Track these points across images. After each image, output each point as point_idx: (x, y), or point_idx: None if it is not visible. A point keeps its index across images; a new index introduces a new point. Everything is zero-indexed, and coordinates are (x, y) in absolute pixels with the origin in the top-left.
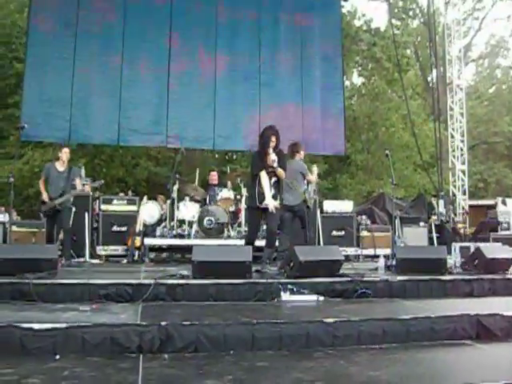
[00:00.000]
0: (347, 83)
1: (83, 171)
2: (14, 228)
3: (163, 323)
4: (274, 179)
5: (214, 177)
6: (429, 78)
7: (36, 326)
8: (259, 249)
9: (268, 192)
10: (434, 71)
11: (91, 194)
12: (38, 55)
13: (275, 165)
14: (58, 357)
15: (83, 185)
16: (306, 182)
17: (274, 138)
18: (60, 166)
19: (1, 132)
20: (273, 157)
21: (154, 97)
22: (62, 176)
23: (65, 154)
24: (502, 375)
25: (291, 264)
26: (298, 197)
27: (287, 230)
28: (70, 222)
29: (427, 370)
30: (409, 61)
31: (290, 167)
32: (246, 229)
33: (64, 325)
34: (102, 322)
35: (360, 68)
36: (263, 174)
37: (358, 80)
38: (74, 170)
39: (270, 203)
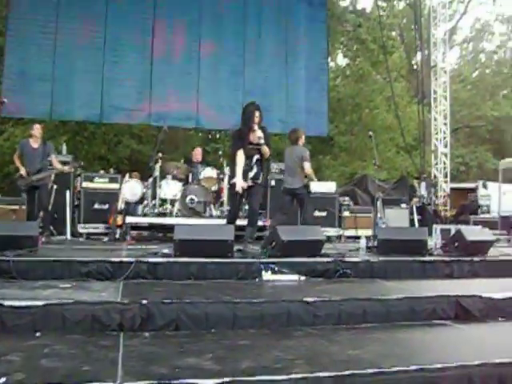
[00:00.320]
0: (332, 64)
1: (65, 148)
2: None
3: (144, 301)
4: (256, 157)
5: (198, 154)
6: (413, 61)
7: (16, 303)
8: (241, 228)
9: (239, 171)
10: (419, 54)
11: (72, 171)
12: (19, 29)
13: (262, 141)
14: (38, 334)
15: (62, 163)
16: None
17: (257, 114)
18: (34, 143)
19: None
20: (258, 133)
21: (137, 74)
22: (37, 152)
23: (37, 129)
24: (480, 355)
25: (273, 243)
26: (299, 180)
27: (285, 212)
28: (51, 200)
29: (406, 350)
30: (394, 43)
31: (293, 152)
32: (228, 208)
33: (44, 302)
34: (83, 300)
35: (345, 49)
36: (239, 153)
37: (342, 61)
38: (48, 146)
39: (238, 183)
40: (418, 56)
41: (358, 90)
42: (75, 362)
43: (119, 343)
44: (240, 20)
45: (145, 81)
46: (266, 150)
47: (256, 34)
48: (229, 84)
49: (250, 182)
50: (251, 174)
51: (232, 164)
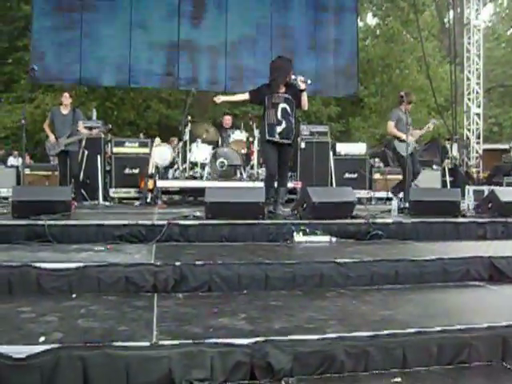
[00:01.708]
0: (361, 24)
1: (95, 113)
2: (28, 171)
3: (177, 263)
4: (281, 106)
5: (227, 121)
6: (445, 19)
7: (52, 266)
8: (292, 191)
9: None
10: (451, 11)
11: (103, 136)
12: None
13: (303, 86)
14: (74, 296)
15: (89, 128)
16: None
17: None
18: (64, 110)
19: (11, 75)
20: (301, 78)
21: (164, 38)
22: (67, 118)
23: (65, 98)
24: None
25: (304, 205)
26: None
27: None
28: (82, 166)
29: (440, 310)
30: (425, 1)
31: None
32: (259, 171)
33: (79, 264)
34: (117, 262)
35: (375, 8)
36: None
37: (372, 21)
38: (77, 113)
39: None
40: (450, 14)
41: (389, 50)
42: (111, 322)
43: (153, 304)
44: None
45: (172, 45)
46: (305, 97)
47: None
48: (256, 46)
49: (278, 138)
50: (279, 129)
51: (261, 119)
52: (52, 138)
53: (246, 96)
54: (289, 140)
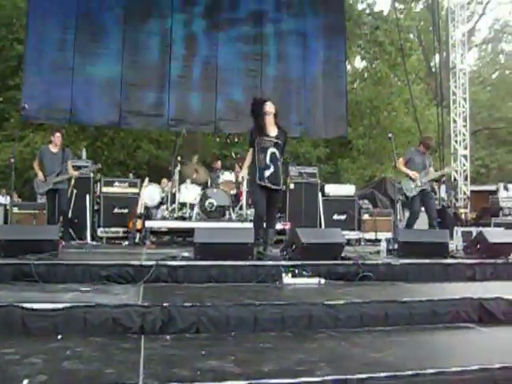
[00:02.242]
0: (349, 67)
1: (84, 153)
2: (15, 210)
3: (165, 304)
4: (271, 150)
5: (218, 166)
6: (432, 63)
7: (38, 306)
8: (281, 232)
9: (247, 163)
10: (437, 56)
11: (92, 175)
12: (38, 37)
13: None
14: (60, 337)
15: (78, 167)
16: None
17: (268, 104)
18: (53, 148)
19: (2, 114)
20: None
21: (155, 80)
22: (56, 157)
23: (57, 138)
24: (504, 358)
25: (293, 246)
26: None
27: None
28: (71, 205)
29: (429, 353)
30: (412, 45)
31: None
32: (248, 212)
33: (66, 305)
34: (104, 303)
35: (363, 52)
36: (250, 151)
37: (360, 64)
38: (66, 152)
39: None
40: (437, 58)
41: (376, 92)
42: (97, 364)
43: (140, 346)
44: (258, 23)
45: (162, 86)
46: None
47: (274, 37)
48: (246, 88)
49: (266, 183)
50: (267, 173)
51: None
52: (41, 175)
53: (251, 152)
54: (277, 186)
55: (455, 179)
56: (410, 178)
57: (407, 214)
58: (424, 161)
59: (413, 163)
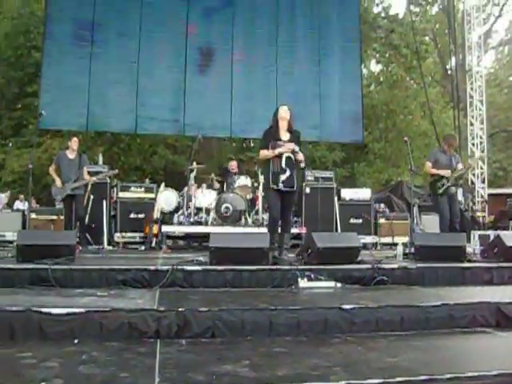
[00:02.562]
0: (365, 71)
1: (101, 158)
2: (33, 216)
3: (180, 309)
4: (286, 155)
5: (234, 166)
6: (448, 66)
7: (54, 311)
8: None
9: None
10: (453, 58)
11: (109, 181)
12: (55, 44)
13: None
14: (76, 341)
15: (95, 173)
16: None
17: (284, 109)
18: (70, 154)
19: (20, 121)
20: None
21: (171, 85)
22: (73, 163)
23: (74, 142)
24: None
25: (309, 251)
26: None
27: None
28: (88, 210)
29: (446, 357)
30: (427, 48)
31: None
32: (264, 216)
33: (82, 309)
34: (120, 307)
35: (378, 55)
36: (262, 152)
37: (376, 67)
38: (83, 158)
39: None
40: (453, 61)
41: (392, 96)
42: (113, 368)
43: (156, 350)
44: (273, 29)
45: (179, 92)
46: (300, 156)
47: (288, 42)
48: (262, 93)
49: (281, 187)
50: (283, 178)
51: (265, 167)
52: (58, 182)
53: (263, 152)
54: (292, 188)
55: (472, 182)
56: (440, 178)
57: (424, 217)
58: (451, 160)
59: (439, 164)
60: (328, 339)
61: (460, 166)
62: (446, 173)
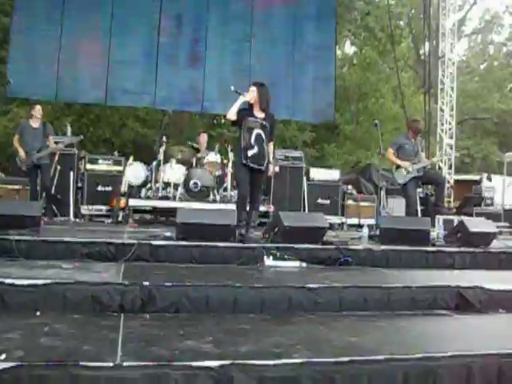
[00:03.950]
0: (339, 52)
1: (69, 130)
2: None
3: (145, 283)
4: (256, 131)
5: (203, 137)
6: (421, 51)
7: (17, 282)
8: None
9: (236, 106)
10: (427, 44)
11: (76, 152)
12: (25, 10)
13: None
14: (38, 313)
15: (56, 142)
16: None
17: (252, 87)
18: (34, 123)
19: None
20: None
21: (142, 57)
22: (37, 132)
23: (37, 110)
24: (479, 346)
25: (276, 229)
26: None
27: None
28: (54, 182)
29: (406, 338)
30: (402, 32)
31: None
32: (232, 193)
33: (45, 281)
34: (84, 280)
35: (352, 37)
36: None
37: (350, 49)
38: (48, 126)
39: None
40: (426, 46)
41: (365, 78)
42: (75, 341)
43: (119, 324)
44: (247, 4)
45: (150, 64)
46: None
47: (263, 19)
48: (234, 70)
49: (248, 162)
50: (250, 153)
51: (237, 142)
52: (22, 152)
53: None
54: (260, 166)
55: (439, 167)
56: (398, 167)
57: (391, 200)
58: (415, 146)
59: (403, 150)
60: (292, 318)
61: (423, 154)
62: (406, 164)
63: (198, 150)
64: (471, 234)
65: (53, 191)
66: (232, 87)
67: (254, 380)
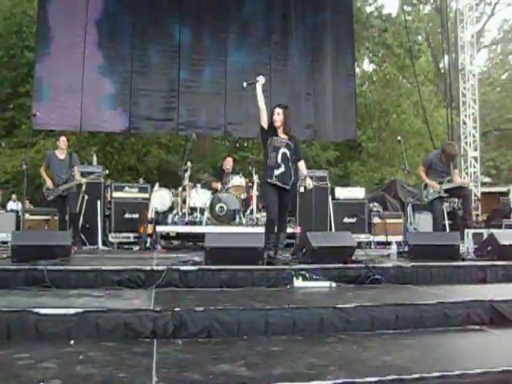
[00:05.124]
0: (358, 70)
1: (95, 158)
2: (28, 216)
3: (176, 309)
4: (282, 151)
5: (229, 163)
6: (440, 65)
7: (50, 311)
8: (291, 236)
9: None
10: (446, 57)
11: (102, 181)
12: (49, 43)
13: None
14: (72, 342)
15: (82, 174)
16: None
17: (278, 110)
18: (60, 154)
19: (13, 121)
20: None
21: (164, 84)
22: (63, 163)
23: (62, 142)
24: None
25: (303, 250)
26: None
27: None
28: (82, 210)
29: (441, 355)
30: (420, 47)
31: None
32: (258, 216)
33: (78, 310)
34: (116, 308)
35: (371, 55)
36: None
37: (369, 67)
38: (73, 157)
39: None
40: (446, 59)
41: (385, 95)
42: (110, 368)
43: (153, 350)
44: (266, 29)
45: (172, 91)
46: (309, 181)
47: (282, 42)
48: (255, 92)
49: (275, 181)
50: (277, 172)
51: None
52: (49, 182)
53: (264, 114)
54: (286, 185)
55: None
56: (426, 186)
57: (418, 216)
58: (448, 165)
59: (434, 170)
60: (323, 338)
61: (456, 171)
62: (435, 185)
63: (221, 175)
64: (502, 247)
65: (81, 220)
66: (244, 83)
67: None
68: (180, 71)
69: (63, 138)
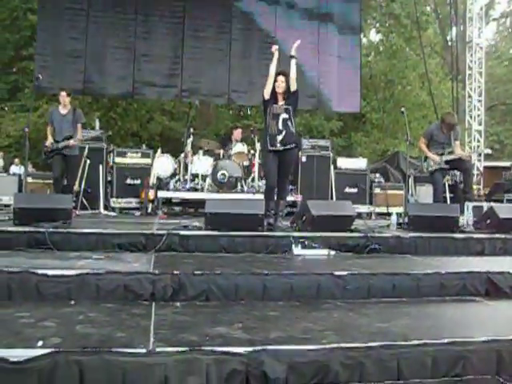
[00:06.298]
0: (364, 40)
1: (98, 123)
2: (30, 180)
3: (175, 272)
4: (283, 116)
5: (238, 134)
6: (448, 37)
7: (51, 272)
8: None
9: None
10: (454, 29)
11: (105, 146)
12: (51, 6)
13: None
14: (73, 302)
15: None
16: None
17: (280, 78)
18: (63, 109)
19: (16, 84)
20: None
21: (168, 50)
22: (66, 119)
23: (61, 97)
24: (510, 331)
25: (303, 218)
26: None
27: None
28: (84, 175)
29: (435, 324)
30: (428, 18)
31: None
32: (259, 183)
33: (79, 271)
34: (116, 270)
35: (378, 25)
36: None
37: (375, 37)
38: (77, 113)
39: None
40: (453, 32)
41: (391, 66)
42: (109, 328)
43: (151, 312)
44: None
45: (176, 57)
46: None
47: (287, 9)
48: (259, 60)
49: (279, 146)
50: (279, 138)
51: (263, 129)
52: (49, 140)
53: (271, 79)
54: (291, 145)
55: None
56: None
57: (419, 188)
58: (447, 137)
59: (435, 141)
60: (320, 304)
61: (457, 143)
62: (435, 158)
63: (225, 143)
64: (501, 220)
65: (83, 185)
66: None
67: (284, 365)
68: (184, 37)
69: (63, 93)
